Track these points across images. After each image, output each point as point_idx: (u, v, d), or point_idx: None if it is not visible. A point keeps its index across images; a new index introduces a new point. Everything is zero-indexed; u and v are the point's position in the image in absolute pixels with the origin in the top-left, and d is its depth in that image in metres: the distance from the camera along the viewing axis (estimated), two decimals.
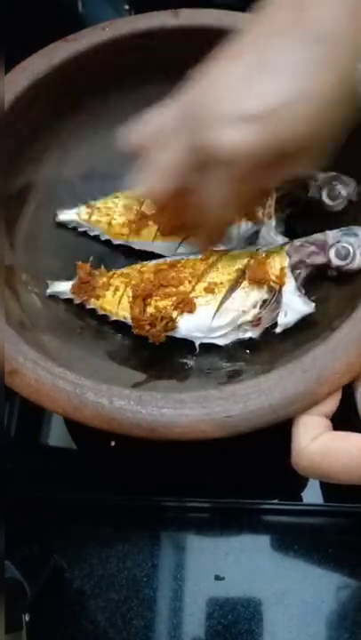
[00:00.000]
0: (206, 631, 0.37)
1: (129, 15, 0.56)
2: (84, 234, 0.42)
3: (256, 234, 0.39)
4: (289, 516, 0.40)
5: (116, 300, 0.37)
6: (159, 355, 0.37)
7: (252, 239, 0.39)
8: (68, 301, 0.39)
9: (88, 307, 0.39)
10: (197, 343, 0.36)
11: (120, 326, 0.38)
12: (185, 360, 0.37)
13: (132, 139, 0.32)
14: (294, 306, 0.35)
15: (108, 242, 0.42)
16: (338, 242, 0.35)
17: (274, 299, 0.35)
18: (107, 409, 0.29)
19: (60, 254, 0.41)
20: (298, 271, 0.36)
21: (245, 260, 0.37)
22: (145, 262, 0.39)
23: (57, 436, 0.43)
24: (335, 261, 0.35)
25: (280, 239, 0.38)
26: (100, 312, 0.38)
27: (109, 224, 0.41)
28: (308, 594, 0.37)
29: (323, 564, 0.38)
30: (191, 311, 0.36)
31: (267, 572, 0.38)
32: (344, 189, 0.36)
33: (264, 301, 0.36)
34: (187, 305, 0.36)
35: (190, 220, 0.34)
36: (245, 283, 0.36)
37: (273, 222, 0.38)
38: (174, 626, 0.37)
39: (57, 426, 0.43)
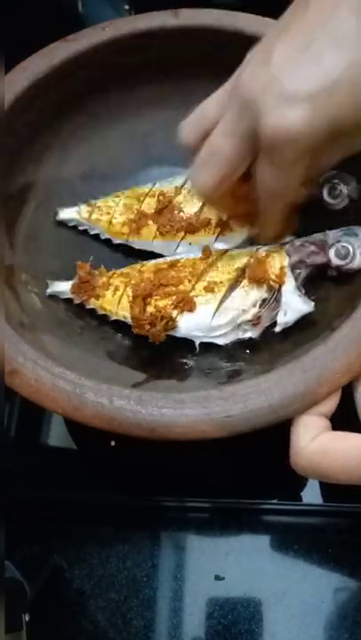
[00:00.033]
0: (206, 631, 0.37)
1: (129, 15, 0.56)
2: (85, 233, 0.42)
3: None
4: (289, 516, 0.40)
5: (115, 299, 0.37)
6: (159, 354, 0.37)
7: (253, 239, 0.39)
8: (68, 301, 0.39)
9: (88, 306, 0.39)
10: (197, 342, 0.36)
11: (120, 326, 0.38)
12: (185, 360, 0.37)
13: (188, 134, 0.32)
14: (294, 305, 0.35)
15: (107, 241, 0.42)
16: (338, 241, 0.35)
17: (273, 298, 0.35)
18: (107, 409, 0.29)
19: (60, 254, 0.41)
20: (298, 271, 0.36)
21: (245, 259, 0.37)
22: (145, 262, 0.39)
23: (57, 435, 0.43)
24: (335, 261, 0.35)
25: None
26: (100, 312, 0.38)
27: (110, 223, 0.41)
28: (308, 594, 0.37)
29: (323, 564, 0.38)
30: (191, 310, 0.36)
31: (267, 572, 0.38)
32: (345, 187, 0.36)
33: (264, 300, 0.36)
34: (187, 304, 0.36)
35: (255, 209, 0.33)
36: (245, 282, 0.36)
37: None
38: (174, 626, 0.37)
39: (57, 426, 0.43)
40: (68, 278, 0.39)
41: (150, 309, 0.36)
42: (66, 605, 0.38)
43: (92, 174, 0.43)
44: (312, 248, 0.36)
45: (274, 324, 0.35)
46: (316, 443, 0.28)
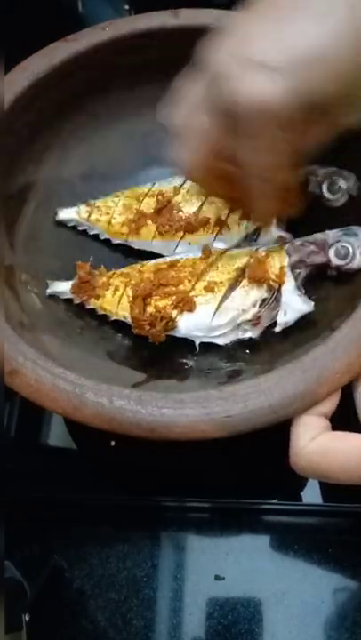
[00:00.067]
0: (206, 631, 0.37)
1: (129, 15, 0.56)
2: (84, 233, 0.42)
3: (257, 231, 0.39)
4: (289, 516, 0.40)
5: (115, 299, 0.37)
6: (159, 354, 0.37)
7: (253, 237, 0.39)
8: (68, 301, 0.39)
9: (88, 306, 0.39)
10: (197, 342, 0.36)
11: (120, 326, 0.38)
12: (185, 360, 0.37)
13: (164, 116, 0.31)
14: (294, 305, 0.35)
15: (107, 241, 0.42)
16: (338, 241, 0.35)
17: (273, 298, 0.35)
18: (107, 409, 0.29)
19: (59, 254, 0.41)
20: (298, 270, 0.36)
21: (245, 259, 0.37)
22: (144, 262, 0.39)
23: (57, 435, 0.43)
24: (335, 261, 0.35)
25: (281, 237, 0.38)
26: (100, 312, 0.38)
27: (109, 223, 0.41)
28: (308, 594, 0.37)
29: (323, 564, 0.38)
30: (191, 310, 0.36)
31: (267, 572, 0.38)
32: (344, 183, 0.36)
33: (264, 300, 0.36)
34: (186, 304, 0.36)
35: (241, 193, 0.32)
36: (245, 282, 0.36)
37: (274, 222, 0.38)
38: (174, 626, 0.37)
39: (57, 426, 0.43)
40: (68, 278, 0.39)
41: (150, 309, 0.36)
42: (66, 605, 0.38)
43: (92, 174, 0.43)
44: (312, 248, 0.36)
45: (274, 323, 0.35)
46: (315, 443, 0.28)
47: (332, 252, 0.35)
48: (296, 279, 0.35)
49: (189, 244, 0.39)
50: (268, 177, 0.30)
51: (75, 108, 0.42)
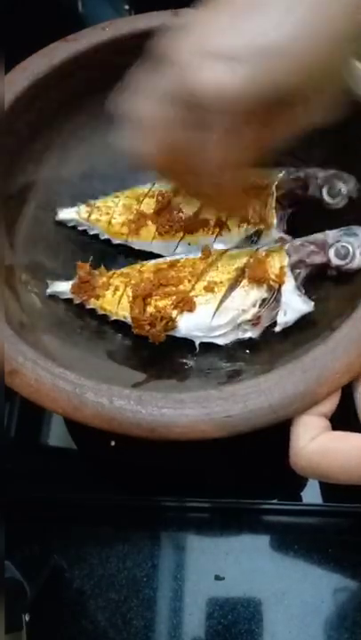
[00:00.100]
0: (206, 631, 0.37)
1: (129, 15, 0.56)
2: (84, 233, 0.42)
3: (257, 233, 0.39)
4: (289, 516, 0.40)
5: (115, 299, 0.37)
6: (159, 354, 0.37)
7: (253, 239, 0.39)
8: (68, 301, 0.39)
9: (88, 306, 0.39)
10: (197, 342, 0.36)
11: (120, 326, 0.38)
12: (185, 360, 0.37)
13: (116, 104, 0.30)
14: (294, 305, 0.35)
15: (107, 241, 0.42)
16: (338, 241, 0.35)
17: (273, 298, 0.35)
18: (107, 409, 0.29)
19: (59, 254, 0.41)
20: (298, 270, 0.36)
21: (245, 259, 0.37)
22: (144, 262, 0.39)
23: (57, 435, 0.43)
24: (335, 261, 0.35)
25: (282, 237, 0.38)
26: (100, 312, 0.38)
27: (109, 223, 0.41)
28: (308, 594, 0.37)
29: (323, 564, 0.38)
30: (191, 310, 0.36)
31: (267, 572, 0.38)
32: (344, 186, 0.36)
33: (264, 300, 0.36)
34: (186, 304, 0.36)
35: (198, 187, 0.31)
36: (245, 282, 0.36)
37: (275, 222, 0.38)
38: (174, 626, 0.37)
39: (57, 426, 0.43)
40: (68, 278, 0.39)
41: (150, 309, 0.36)
42: (66, 605, 0.38)
43: (92, 174, 0.43)
44: (312, 248, 0.36)
45: (274, 323, 0.35)
46: (315, 443, 0.28)
47: (332, 252, 0.35)
48: (296, 279, 0.35)
49: (189, 244, 0.39)
50: (217, 173, 0.30)
51: (75, 108, 0.42)
